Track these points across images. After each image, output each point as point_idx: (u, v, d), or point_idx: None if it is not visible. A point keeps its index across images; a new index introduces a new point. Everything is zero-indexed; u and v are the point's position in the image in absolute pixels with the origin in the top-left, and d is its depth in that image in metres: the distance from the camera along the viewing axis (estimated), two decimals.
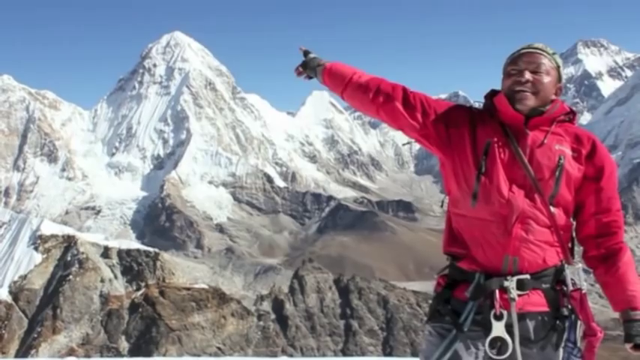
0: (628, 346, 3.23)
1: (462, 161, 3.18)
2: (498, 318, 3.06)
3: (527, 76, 3.14)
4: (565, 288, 3.18)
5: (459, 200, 3.22)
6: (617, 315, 3.31)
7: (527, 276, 3.10)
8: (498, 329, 3.05)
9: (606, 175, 3.25)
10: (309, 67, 3.57)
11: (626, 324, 3.19)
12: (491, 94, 3.32)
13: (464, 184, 3.17)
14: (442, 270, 3.35)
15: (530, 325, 3.14)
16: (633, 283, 3.22)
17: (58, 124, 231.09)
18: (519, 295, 3.08)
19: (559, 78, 3.25)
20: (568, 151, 3.19)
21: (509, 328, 3.05)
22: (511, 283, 3.07)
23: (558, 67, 3.24)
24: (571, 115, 3.27)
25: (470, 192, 3.14)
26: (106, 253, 75.16)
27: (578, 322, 3.15)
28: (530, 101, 3.14)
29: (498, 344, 3.08)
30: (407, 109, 3.29)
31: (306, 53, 3.62)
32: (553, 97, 3.23)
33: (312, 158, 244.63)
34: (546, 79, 3.16)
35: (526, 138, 3.15)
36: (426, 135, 3.28)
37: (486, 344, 3.06)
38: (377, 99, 3.35)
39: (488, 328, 3.08)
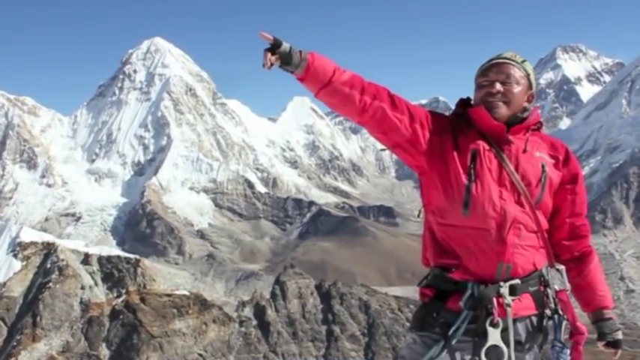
0: (601, 344, 3.43)
1: (450, 170, 3.16)
2: (495, 325, 3.08)
3: (498, 87, 3.21)
4: (549, 289, 3.25)
5: (446, 210, 3.19)
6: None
7: (518, 281, 3.15)
8: (495, 337, 3.08)
9: (580, 180, 3.45)
10: (291, 64, 3.05)
11: (598, 323, 3.42)
12: (463, 103, 3.36)
13: (453, 193, 3.15)
14: (422, 281, 3.35)
15: (521, 328, 3.19)
16: (602, 284, 3.44)
17: (38, 131, 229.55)
18: (512, 301, 3.13)
19: (530, 85, 3.30)
20: (548, 158, 3.32)
21: (502, 334, 3.09)
22: (505, 290, 3.11)
23: (528, 75, 3.29)
24: (539, 123, 3.36)
25: (460, 201, 3.12)
26: (86, 259, 74.80)
27: (564, 322, 3.25)
28: (502, 111, 3.21)
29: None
30: (395, 112, 3.17)
31: (277, 44, 3.03)
32: (526, 104, 3.30)
33: (293, 164, 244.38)
34: (516, 89, 3.23)
35: (510, 146, 3.21)
36: (413, 141, 3.20)
37: (482, 353, 3.06)
38: (363, 100, 3.14)
39: (482, 337, 3.09)
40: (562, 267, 3.37)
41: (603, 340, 3.41)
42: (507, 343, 3.08)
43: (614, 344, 3.42)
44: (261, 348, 74.94)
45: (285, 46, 3.03)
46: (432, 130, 3.21)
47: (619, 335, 3.43)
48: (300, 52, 3.06)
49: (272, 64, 3.04)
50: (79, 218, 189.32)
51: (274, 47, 3.02)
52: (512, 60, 3.28)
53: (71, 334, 67.47)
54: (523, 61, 3.30)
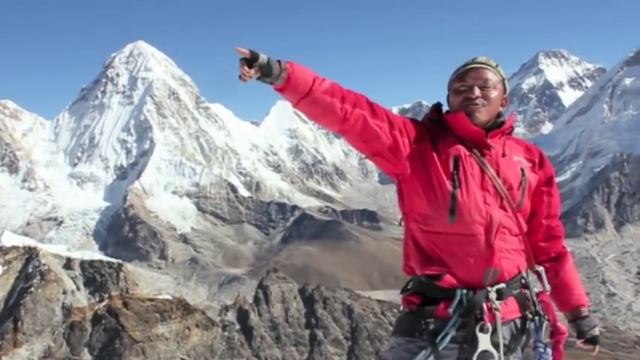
0: (580, 341, 3.50)
1: (432, 176, 3.15)
2: (484, 331, 3.09)
3: (477, 92, 3.21)
4: (528, 291, 3.27)
5: (430, 217, 3.17)
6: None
7: (504, 285, 3.16)
8: (485, 342, 3.08)
9: (554, 182, 3.49)
10: (271, 75, 2.93)
11: (577, 322, 3.48)
12: (438, 109, 3.35)
13: (437, 200, 3.13)
14: (405, 288, 3.34)
15: (506, 331, 3.20)
16: (578, 284, 3.52)
17: (19, 134, 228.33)
18: (499, 305, 3.14)
19: (504, 89, 3.32)
20: (525, 162, 3.34)
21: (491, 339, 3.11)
22: (493, 295, 3.13)
23: (503, 79, 3.31)
24: (511, 127, 3.37)
25: (446, 208, 3.11)
26: (68, 264, 74.37)
27: (545, 323, 3.26)
28: (482, 116, 3.21)
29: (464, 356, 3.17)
30: (375, 120, 3.13)
31: (254, 57, 2.89)
32: (500, 108, 3.32)
33: (277, 168, 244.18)
34: (494, 93, 3.24)
35: (490, 151, 3.22)
36: (393, 149, 3.16)
37: (474, 358, 3.07)
38: (344, 108, 3.06)
39: (471, 343, 3.09)
40: (541, 268, 3.38)
41: (582, 337, 3.47)
42: (495, 347, 3.09)
43: (593, 340, 3.48)
44: (244, 352, 74.78)
45: (263, 57, 2.90)
46: (411, 137, 3.18)
47: (596, 332, 3.50)
48: (279, 62, 2.94)
49: (249, 77, 2.91)
50: (61, 222, 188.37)
51: (251, 60, 2.89)
52: (488, 64, 3.29)
53: (53, 339, 67.05)
54: (497, 66, 3.30)
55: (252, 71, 2.89)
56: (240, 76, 2.91)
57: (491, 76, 3.25)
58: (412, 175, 3.20)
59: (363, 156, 3.31)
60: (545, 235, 3.44)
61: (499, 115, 3.32)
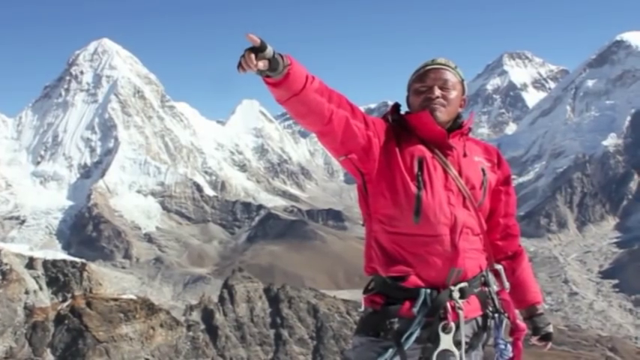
0: (535, 338, 3.55)
1: (397, 177, 3.16)
2: (447, 330, 3.10)
3: (437, 92, 3.22)
4: (488, 289, 3.32)
5: (395, 218, 3.18)
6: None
7: (466, 284, 3.19)
8: (447, 342, 3.10)
9: (511, 181, 3.53)
10: (276, 70, 2.75)
11: (532, 319, 3.53)
12: (398, 110, 3.37)
13: (402, 201, 3.14)
14: (367, 289, 3.34)
15: (468, 329, 3.23)
16: (534, 282, 3.59)
17: None
18: (462, 303, 3.17)
19: (463, 91, 3.35)
20: (485, 162, 3.40)
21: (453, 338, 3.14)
22: (457, 294, 3.15)
23: (462, 80, 3.35)
24: (469, 128, 3.42)
25: (410, 209, 3.12)
26: (30, 264, 73.62)
27: (505, 321, 3.32)
28: (443, 115, 3.23)
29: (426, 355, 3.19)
30: (355, 121, 3.11)
31: (263, 47, 2.68)
32: (459, 109, 3.35)
33: (242, 167, 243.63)
34: (453, 94, 3.26)
35: (452, 151, 3.24)
36: (366, 149, 3.15)
37: (434, 357, 3.10)
38: (330, 108, 3.01)
39: (434, 342, 3.11)
40: (500, 267, 3.44)
41: (538, 334, 3.55)
42: (457, 345, 3.12)
43: (546, 337, 3.56)
44: (209, 352, 74.55)
45: (270, 50, 2.70)
46: (380, 137, 3.19)
47: (550, 329, 3.58)
48: (281, 56, 2.76)
49: (254, 70, 2.71)
50: (23, 221, 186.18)
51: (258, 50, 2.68)
52: (448, 65, 3.31)
53: (15, 339, 66.33)
54: (456, 67, 3.34)
55: (261, 64, 2.69)
56: (240, 65, 2.69)
57: (451, 77, 3.27)
58: (378, 176, 3.20)
59: (331, 155, 3.27)
60: (502, 233, 3.50)
61: (458, 116, 3.35)
